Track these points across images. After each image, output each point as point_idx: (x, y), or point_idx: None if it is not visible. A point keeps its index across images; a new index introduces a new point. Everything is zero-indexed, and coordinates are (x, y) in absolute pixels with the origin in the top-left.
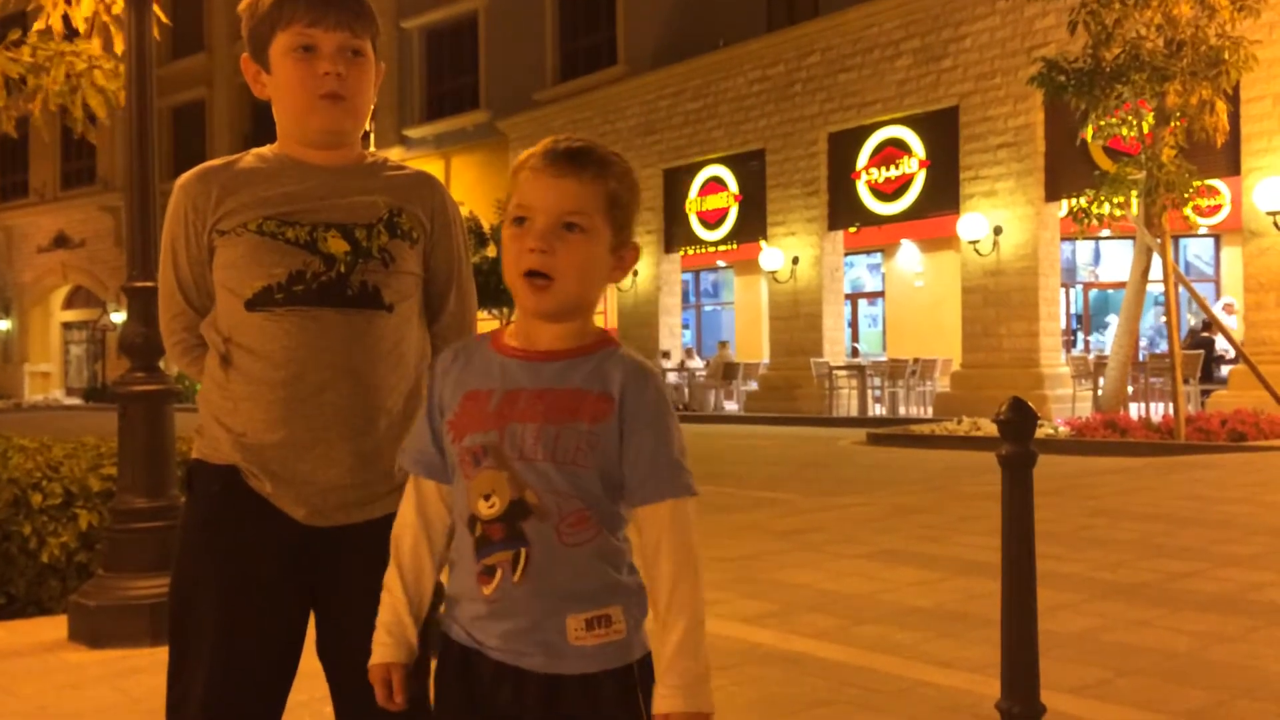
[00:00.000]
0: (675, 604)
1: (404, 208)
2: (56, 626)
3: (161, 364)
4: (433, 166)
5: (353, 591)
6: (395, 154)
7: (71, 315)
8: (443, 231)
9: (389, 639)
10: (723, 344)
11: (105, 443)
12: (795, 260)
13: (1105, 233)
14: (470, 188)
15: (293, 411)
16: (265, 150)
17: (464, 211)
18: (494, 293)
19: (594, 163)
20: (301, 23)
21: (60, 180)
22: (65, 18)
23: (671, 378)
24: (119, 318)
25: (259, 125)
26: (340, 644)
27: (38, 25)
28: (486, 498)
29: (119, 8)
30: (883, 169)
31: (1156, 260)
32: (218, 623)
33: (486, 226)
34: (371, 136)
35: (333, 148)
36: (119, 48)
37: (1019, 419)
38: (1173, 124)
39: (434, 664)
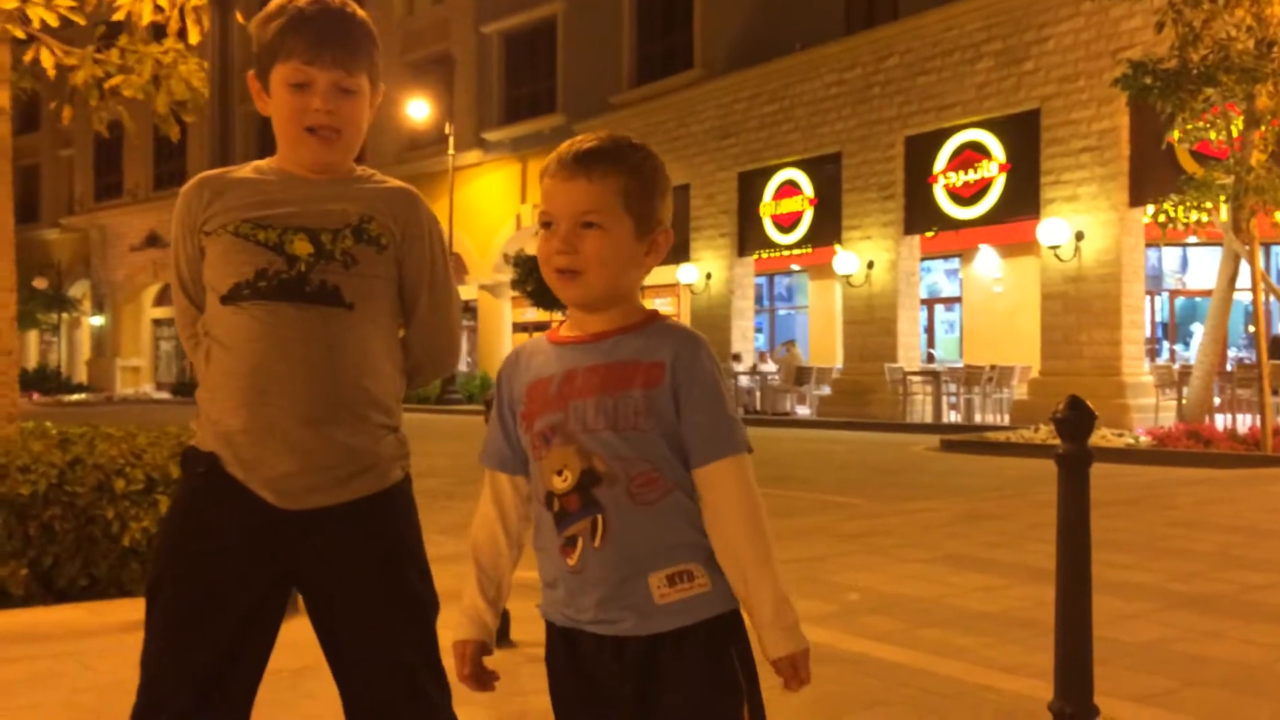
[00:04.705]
0: (757, 556)
1: (374, 215)
2: (136, 608)
3: None
4: (509, 169)
5: (337, 570)
6: (473, 156)
7: (161, 312)
8: (414, 241)
9: (464, 620)
10: (790, 343)
11: (187, 431)
12: (870, 264)
13: (1193, 239)
14: None
15: (253, 400)
16: (264, 163)
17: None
18: None
19: (603, 161)
20: (299, 59)
21: (153, 181)
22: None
23: (743, 381)
24: None
25: None
26: (333, 620)
27: (118, 15)
28: (559, 472)
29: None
30: (961, 173)
31: (1245, 267)
32: (175, 596)
33: None
34: (451, 140)
35: (322, 173)
36: (194, 39)
37: (1077, 417)
38: (1263, 127)
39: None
